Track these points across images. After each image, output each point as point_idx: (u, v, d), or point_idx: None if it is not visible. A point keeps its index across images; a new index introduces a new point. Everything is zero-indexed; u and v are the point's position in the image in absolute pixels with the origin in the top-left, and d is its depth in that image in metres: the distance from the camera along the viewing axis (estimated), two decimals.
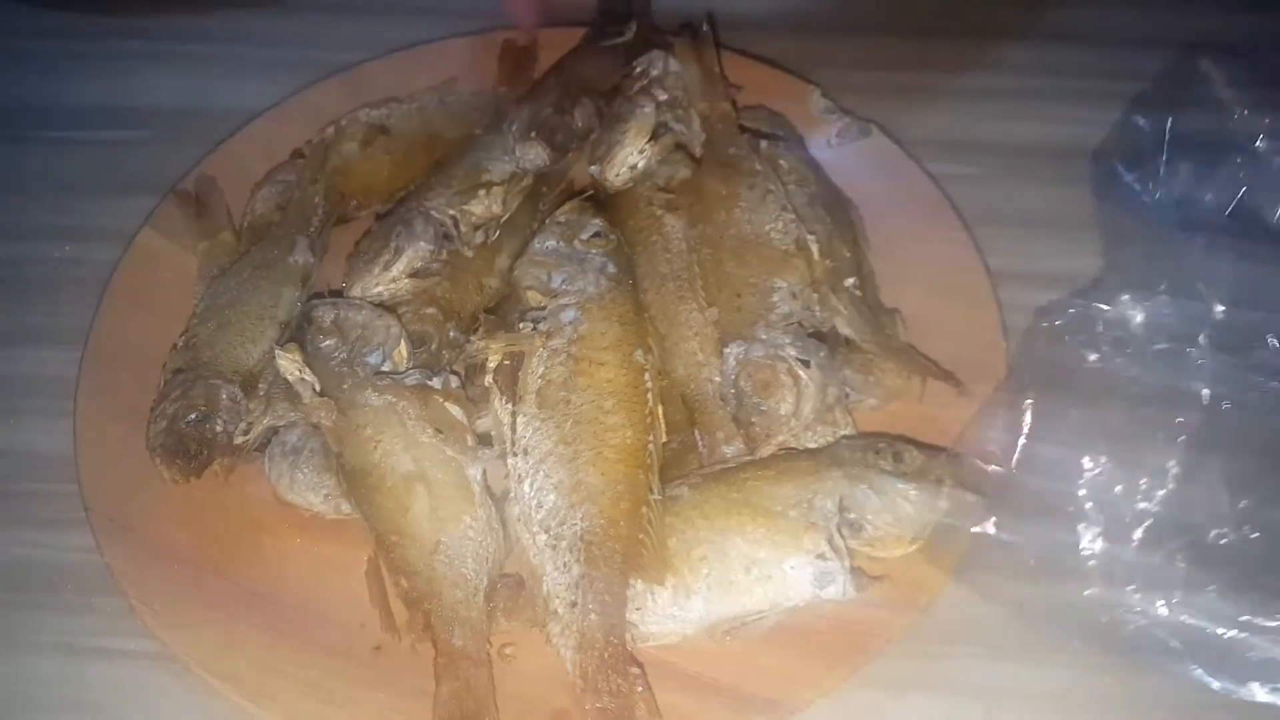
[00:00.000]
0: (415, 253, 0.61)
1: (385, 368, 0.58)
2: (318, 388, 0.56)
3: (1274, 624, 0.50)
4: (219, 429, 0.58)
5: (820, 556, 0.52)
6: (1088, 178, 0.64)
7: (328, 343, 0.58)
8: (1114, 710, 0.54)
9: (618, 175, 0.64)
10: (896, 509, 0.53)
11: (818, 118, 0.73)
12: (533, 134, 0.65)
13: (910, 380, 0.60)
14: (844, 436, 0.58)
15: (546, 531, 0.54)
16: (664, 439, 0.57)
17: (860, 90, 0.76)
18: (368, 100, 0.73)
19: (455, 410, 0.57)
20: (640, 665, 0.51)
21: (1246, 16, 0.81)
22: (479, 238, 0.63)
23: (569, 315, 0.58)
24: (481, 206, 0.63)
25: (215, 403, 0.58)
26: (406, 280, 0.61)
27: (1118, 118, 0.68)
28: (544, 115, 0.66)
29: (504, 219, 0.64)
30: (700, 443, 0.59)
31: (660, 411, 0.57)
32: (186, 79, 0.82)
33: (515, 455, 0.55)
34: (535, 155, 0.65)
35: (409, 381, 0.57)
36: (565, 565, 0.53)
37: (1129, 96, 0.77)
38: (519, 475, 0.55)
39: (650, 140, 0.63)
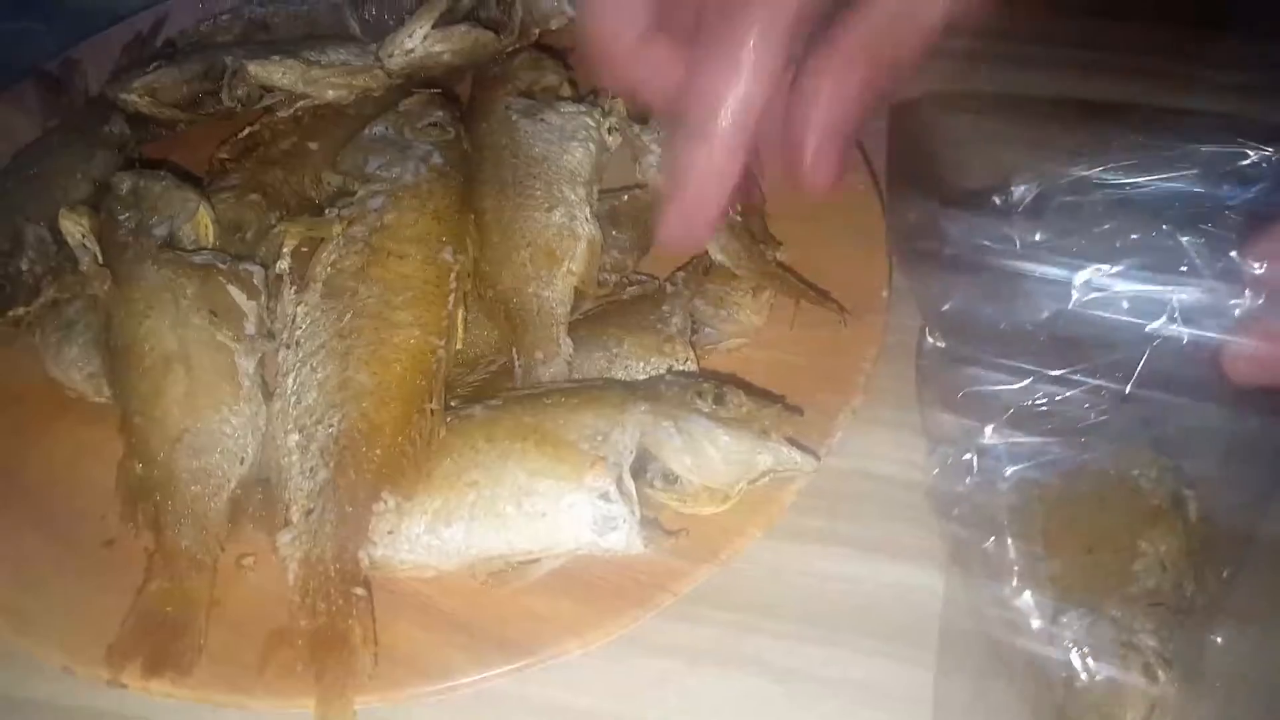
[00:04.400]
0: (165, 78, 0.58)
1: (190, 246, 0.53)
2: (99, 256, 0.51)
3: None
4: (24, 267, 0.54)
5: (604, 497, 0.44)
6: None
7: (124, 213, 0.53)
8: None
9: (390, 56, 0.59)
10: (701, 454, 0.45)
11: None
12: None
13: (764, 315, 0.53)
14: (672, 372, 0.50)
15: (300, 431, 0.47)
16: (458, 346, 0.51)
17: None
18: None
19: (238, 295, 0.51)
20: (368, 587, 0.44)
21: None
22: (283, 110, 0.59)
23: (376, 202, 0.52)
24: (288, 79, 0.58)
25: (20, 241, 0.55)
26: (147, 100, 0.59)
27: None
28: None
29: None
30: (516, 363, 0.52)
31: (461, 317, 0.51)
32: None
33: (287, 347, 0.49)
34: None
35: (197, 260, 0.52)
36: (311, 470, 0.46)
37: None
38: (285, 369, 0.49)
39: (439, 28, 0.59)
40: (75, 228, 0.52)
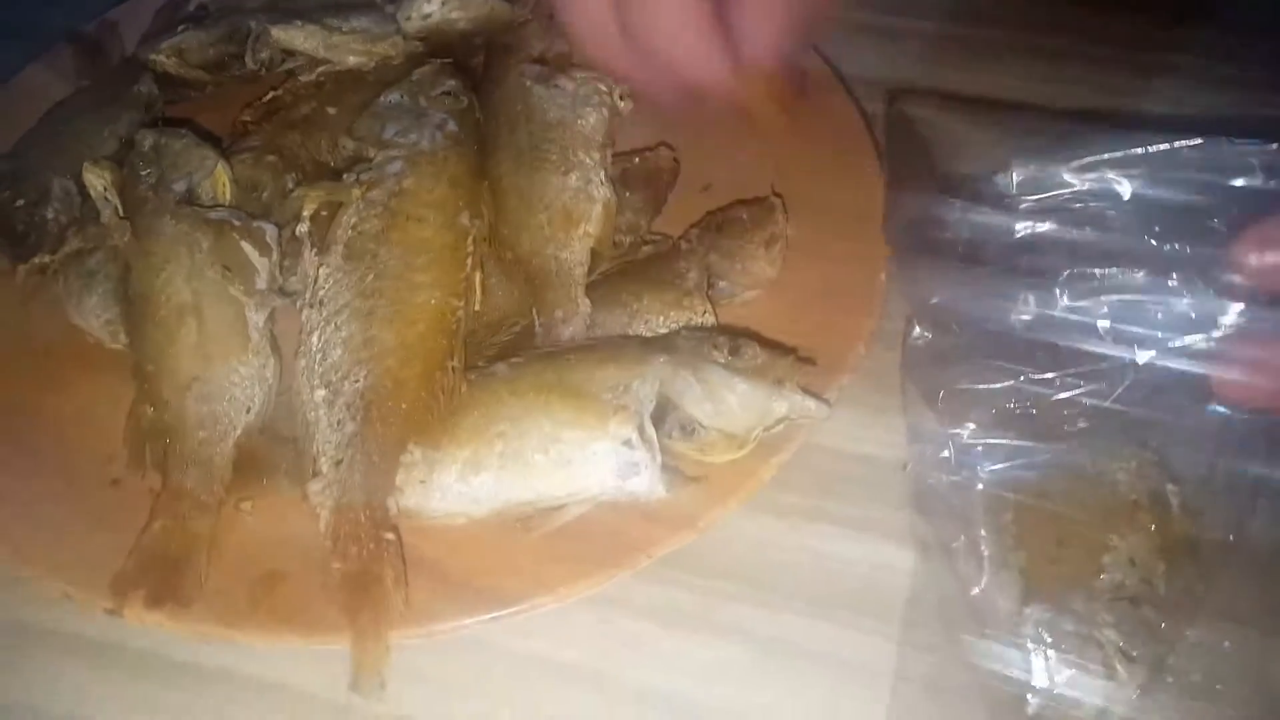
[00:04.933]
0: (191, 41, 0.61)
1: (208, 202, 0.55)
2: (120, 209, 0.54)
3: None
4: (49, 216, 0.57)
5: (627, 444, 0.46)
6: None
7: (145, 169, 0.55)
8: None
9: (408, 19, 0.61)
10: (719, 401, 0.47)
11: None
12: None
13: (776, 267, 0.54)
14: (688, 327, 0.52)
15: (326, 386, 0.49)
16: (476, 307, 0.52)
17: None
18: None
19: (251, 251, 0.53)
20: (397, 532, 0.46)
21: None
22: (305, 75, 0.61)
23: (394, 168, 0.54)
24: (309, 44, 0.59)
25: (46, 191, 0.57)
26: (174, 60, 0.61)
27: None
28: None
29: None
30: (537, 323, 0.54)
31: (479, 279, 0.52)
32: None
33: (311, 307, 0.51)
34: None
35: (213, 216, 0.53)
36: (339, 422, 0.48)
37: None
38: (310, 328, 0.51)
39: None
40: (98, 180, 0.54)
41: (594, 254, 0.55)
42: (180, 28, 0.63)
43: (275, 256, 0.54)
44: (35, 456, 0.51)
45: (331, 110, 0.61)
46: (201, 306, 0.51)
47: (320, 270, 0.51)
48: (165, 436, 0.49)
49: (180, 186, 0.54)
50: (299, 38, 0.60)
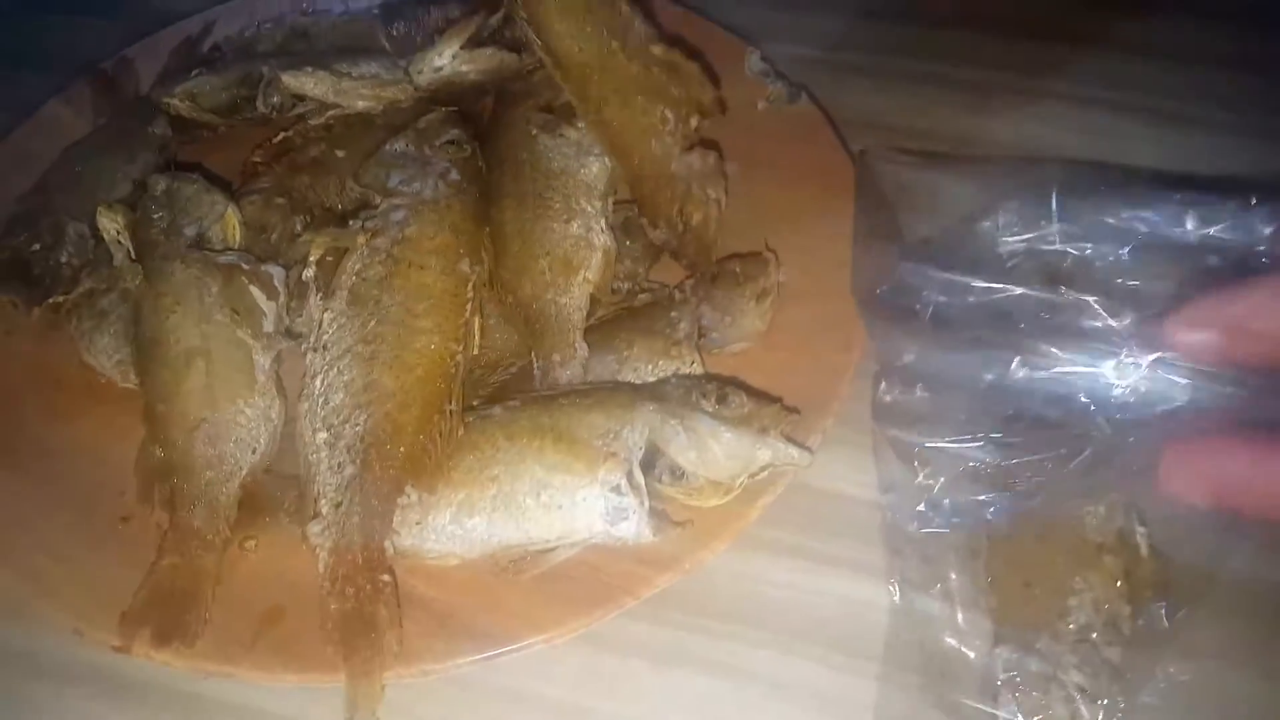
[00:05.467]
0: (205, 84, 0.63)
1: (218, 245, 0.57)
2: (132, 252, 0.56)
3: None
4: (63, 260, 0.59)
5: (615, 490, 0.48)
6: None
7: (157, 213, 0.57)
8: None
9: (419, 73, 0.63)
10: (705, 449, 0.49)
11: (752, 79, 0.69)
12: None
13: (766, 321, 0.56)
14: (678, 374, 0.54)
15: (328, 429, 0.51)
16: (474, 351, 0.54)
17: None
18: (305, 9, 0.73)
19: (259, 295, 0.55)
20: (393, 574, 0.48)
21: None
22: (315, 118, 0.62)
23: (398, 215, 0.55)
24: (319, 89, 0.61)
25: (62, 236, 0.59)
26: (187, 104, 0.63)
27: None
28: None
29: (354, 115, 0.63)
30: (535, 366, 0.55)
31: (477, 324, 0.54)
32: None
33: (315, 351, 0.53)
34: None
35: (222, 260, 0.55)
36: (339, 465, 0.50)
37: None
38: (313, 371, 0.52)
39: (466, 48, 0.62)
40: (111, 224, 0.56)
41: (592, 299, 0.57)
42: (194, 71, 0.65)
43: (282, 299, 0.56)
44: (51, 490, 0.53)
45: (340, 153, 0.63)
46: (210, 349, 0.53)
47: (325, 315, 0.53)
48: (173, 476, 0.51)
49: (191, 231, 0.56)
50: (309, 84, 0.62)
